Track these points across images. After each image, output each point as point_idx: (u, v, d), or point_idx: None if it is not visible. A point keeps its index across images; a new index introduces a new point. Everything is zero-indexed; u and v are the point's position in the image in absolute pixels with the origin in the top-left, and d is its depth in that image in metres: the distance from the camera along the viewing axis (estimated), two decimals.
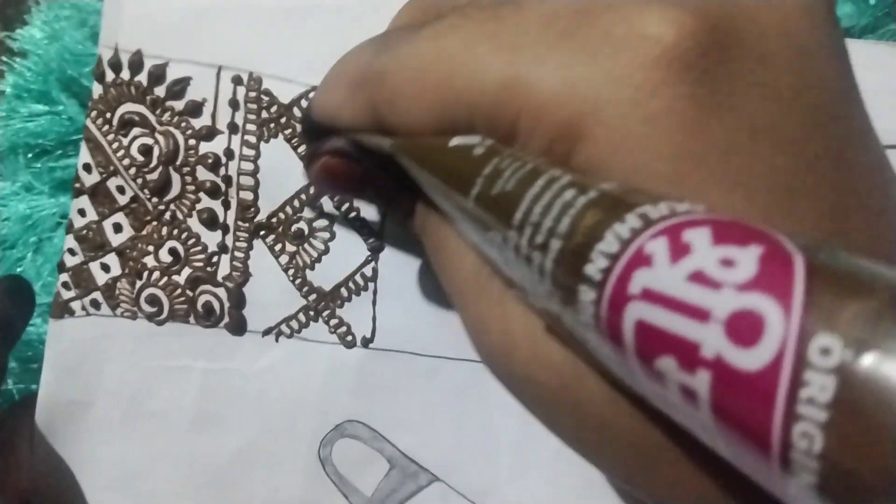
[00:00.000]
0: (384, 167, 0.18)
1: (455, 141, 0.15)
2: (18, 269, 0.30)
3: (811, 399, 0.08)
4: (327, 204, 0.26)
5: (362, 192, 0.21)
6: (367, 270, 0.26)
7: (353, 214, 0.26)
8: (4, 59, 0.30)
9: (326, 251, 0.26)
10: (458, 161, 0.14)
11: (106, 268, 0.27)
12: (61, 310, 0.27)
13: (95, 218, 0.27)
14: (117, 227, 0.27)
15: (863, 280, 0.08)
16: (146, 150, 0.26)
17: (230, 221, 0.26)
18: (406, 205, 0.19)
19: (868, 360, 0.07)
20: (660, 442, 0.13)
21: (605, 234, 0.11)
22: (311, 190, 0.26)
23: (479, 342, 0.16)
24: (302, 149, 0.26)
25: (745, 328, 0.08)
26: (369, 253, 0.26)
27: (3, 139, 0.30)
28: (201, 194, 0.26)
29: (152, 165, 0.26)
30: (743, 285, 0.09)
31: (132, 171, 0.27)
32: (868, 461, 0.07)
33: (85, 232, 0.27)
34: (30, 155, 0.30)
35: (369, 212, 0.26)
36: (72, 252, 0.27)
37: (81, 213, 0.27)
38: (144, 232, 0.27)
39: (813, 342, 0.08)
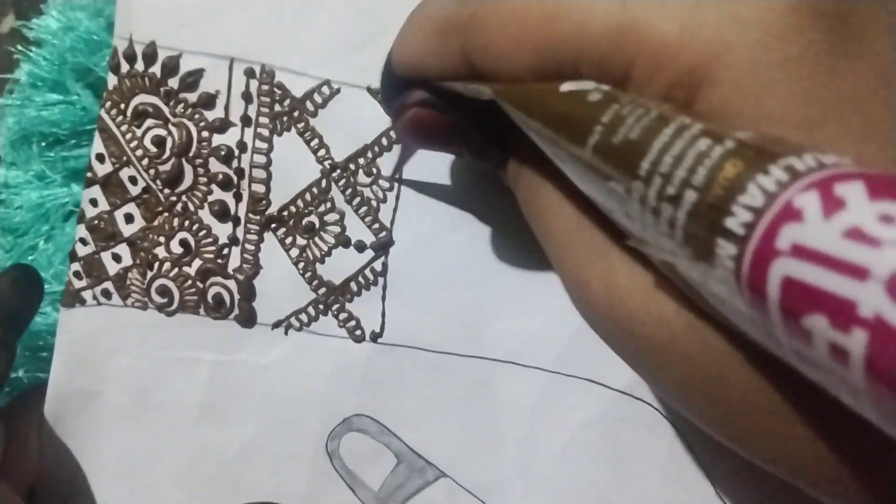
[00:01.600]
0: (474, 118, 0.17)
1: (567, 86, 0.14)
2: (30, 258, 0.30)
3: None
4: (339, 199, 0.26)
5: (452, 144, 0.20)
6: (377, 265, 0.26)
7: (363, 209, 0.26)
8: (20, 48, 0.30)
9: (337, 245, 0.26)
10: (572, 108, 0.14)
11: (117, 258, 0.27)
12: (72, 299, 0.27)
13: (107, 208, 0.27)
14: (129, 218, 0.27)
15: None
16: (159, 142, 0.27)
17: (241, 214, 0.27)
18: (497, 157, 0.19)
19: None
20: (775, 399, 0.12)
21: (748, 187, 0.10)
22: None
23: (579, 293, 0.15)
24: (314, 143, 0.26)
25: None
26: (375, 250, 0.26)
27: (17, 127, 0.30)
28: (213, 186, 0.26)
29: (165, 157, 0.27)
30: None
31: (145, 161, 0.27)
32: None
33: (96, 222, 0.27)
34: (43, 144, 0.30)
35: (382, 205, 0.26)
36: (83, 241, 0.27)
37: (93, 202, 0.27)
38: (156, 223, 0.27)
39: None
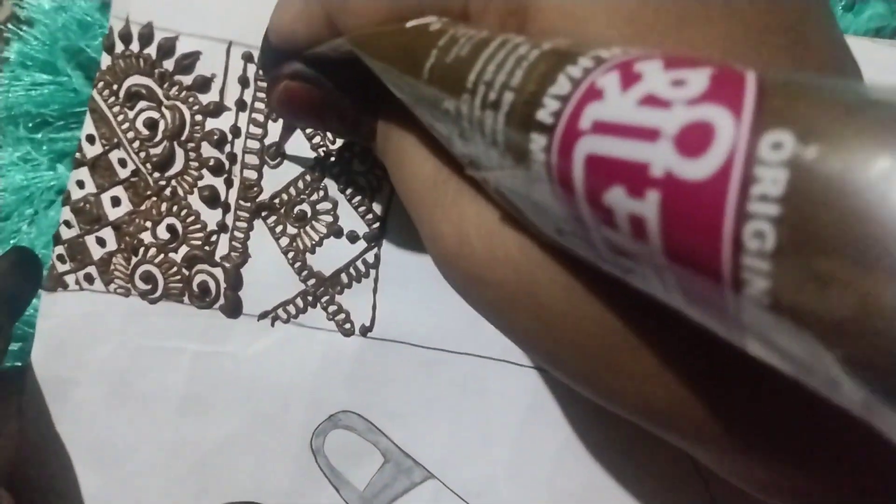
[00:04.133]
0: (345, 89, 0.18)
1: (411, 23, 0.15)
2: (13, 242, 0.29)
3: (763, 195, 0.07)
4: (332, 188, 0.25)
5: (325, 117, 0.20)
6: (370, 257, 0.25)
7: (357, 199, 0.25)
8: (11, 26, 0.29)
9: (328, 235, 0.25)
10: (414, 39, 0.14)
11: (102, 242, 0.26)
12: (55, 283, 0.26)
13: (94, 190, 0.26)
14: (115, 201, 0.26)
15: (811, 88, 0.08)
16: (152, 124, 0.26)
17: (231, 200, 0.26)
18: (369, 129, 0.19)
19: (817, 151, 0.07)
20: (620, 329, 0.12)
21: (558, 77, 0.10)
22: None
23: (435, 249, 0.16)
24: (310, 129, 0.25)
25: (694, 139, 0.08)
26: (367, 241, 0.25)
27: (4, 107, 0.29)
28: (204, 171, 0.26)
29: (157, 140, 0.26)
30: (693, 100, 0.08)
31: (136, 144, 0.26)
32: (821, 253, 0.07)
33: (82, 204, 0.26)
34: (30, 125, 0.29)
35: (374, 196, 0.25)
36: (68, 224, 0.27)
37: (80, 184, 0.26)
38: (143, 207, 0.26)
39: (764, 138, 0.08)
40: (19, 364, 0.28)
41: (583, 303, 0.13)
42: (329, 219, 0.25)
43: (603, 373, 0.13)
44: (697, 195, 0.08)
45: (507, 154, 0.11)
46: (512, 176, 0.12)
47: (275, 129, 0.26)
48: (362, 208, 0.25)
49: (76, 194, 0.26)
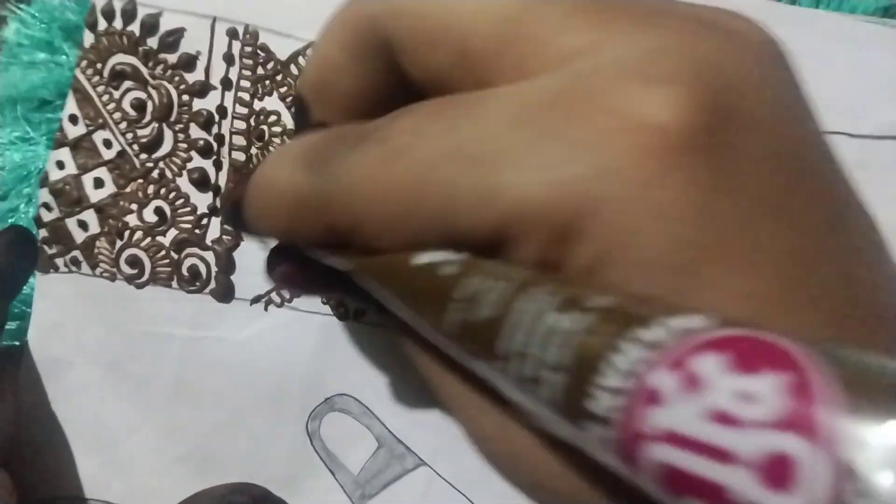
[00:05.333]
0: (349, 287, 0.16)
1: (418, 259, 0.13)
2: (10, 221, 0.29)
3: None
4: None
5: (332, 292, 0.19)
6: None
7: None
8: (9, 5, 0.29)
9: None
10: (425, 282, 0.13)
11: (84, 225, 0.26)
12: (46, 265, 0.26)
13: (74, 172, 0.26)
14: (98, 183, 0.26)
15: (882, 394, 0.07)
16: (139, 105, 0.25)
17: (222, 182, 0.25)
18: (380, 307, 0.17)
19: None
20: None
21: (601, 367, 0.09)
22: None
23: (482, 449, 0.15)
24: None
25: (774, 471, 0.08)
26: None
27: (1, 87, 0.29)
28: (193, 153, 0.25)
29: (145, 121, 0.25)
30: (766, 423, 0.08)
31: (123, 125, 0.25)
32: None
33: (61, 185, 0.26)
34: (28, 104, 0.29)
35: None
36: (47, 207, 0.26)
37: (59, 165, 0.26)
38: (128, 189, 0.26)
39: (849, 484, 0.07)
40: (17, 343, 0.28)
41: None
42: None
43: None
44: None
45: (561, 421, 0.11)
46: (568, 435, 0.11)
47: (261, 108, 0.25)
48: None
49: (54, 175, 0.26)
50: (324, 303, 0.25)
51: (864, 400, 0.07)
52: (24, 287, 0.28)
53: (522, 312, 0.11)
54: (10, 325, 0.29)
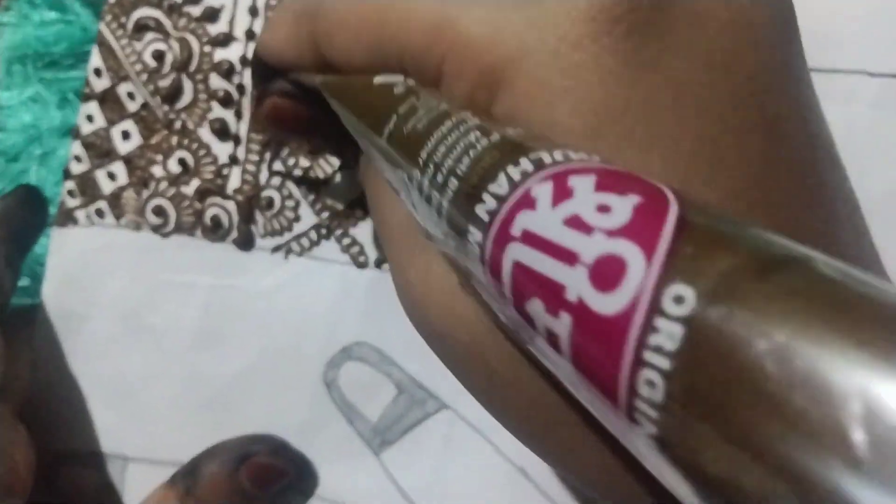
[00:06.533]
0: (329, 114, 0.18)
1: (379, 79, 0.15)
2: (22, 181, 0.29)
3: (659, 347, 0.08)
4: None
5: (311, 135, 0.20)
6: None
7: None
8: None
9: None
10: (378, 99, 0.14)
11: (112, 176, 0.26)
12: (65, 218, 0.26)
13: (104, 125, 0.26)
14: (125, 135, 0.26)
15: (729, 237, 0.08)
16: (159, 56, 0.26)
17: (242, 132, 0.26)
18: (352, 154, 0.19)
19: (717, 312, 0.07)
20: (558, 404, 0.12)
21: (499, 175, 0.11)
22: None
23: (401, 294, 0.16)
24: None
25: (608, 273, 0.08)
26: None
27: (13, 47, 0.29)
28: (213, 103, 0.26)
29: (165, 71, 0.26)
30: (612, 231, 0.09)
31: (144, 76, 0.26)
32: (702, 417, 0.07)
33: (92, 139, 0.26)
34: (39, 64, 0.29)
35: None
36: (78, 159, 0.26)
37: (90, 119, 0.26)
38: (153, 140, 0.26)
39: (668, 289, 0.08)
40: (30, 301, 0.28)
41: (527, 375, 0.13)
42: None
43: (545, 441, 0.14)
44: (603, 330, 0.08)
45: (451, 235, 0.12)
46: (456, 253, 0.12)
47: None
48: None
49: (86, 128, 0.26)
50: (343, 251, 0.25)
51: (707, 239, 0.08)
52: (37, 246, 0.28)
53: (447, 129, 0.12)
54: (24, 282, 0.29)
